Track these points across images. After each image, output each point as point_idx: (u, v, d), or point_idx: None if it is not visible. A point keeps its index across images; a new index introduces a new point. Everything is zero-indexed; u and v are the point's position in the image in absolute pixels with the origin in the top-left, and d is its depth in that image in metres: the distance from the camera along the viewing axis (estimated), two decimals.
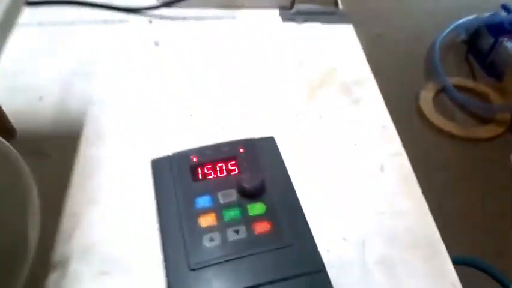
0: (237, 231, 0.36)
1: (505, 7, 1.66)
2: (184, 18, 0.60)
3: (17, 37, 0.34)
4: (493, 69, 1.65)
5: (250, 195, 0.38)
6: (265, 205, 0.38)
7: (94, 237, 0.38)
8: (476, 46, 1.71)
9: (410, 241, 0.39)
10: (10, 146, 0.31)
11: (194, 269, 0.34)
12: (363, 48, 0.57)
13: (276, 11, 0.62)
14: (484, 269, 1.13)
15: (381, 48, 1.63)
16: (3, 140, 0.31)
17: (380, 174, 0.44)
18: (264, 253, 0.35)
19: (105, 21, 0.59)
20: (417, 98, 1.56)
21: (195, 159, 0.41)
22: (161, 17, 0.60)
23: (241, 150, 0.42)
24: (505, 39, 1.57)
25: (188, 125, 0.47)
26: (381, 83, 0.53)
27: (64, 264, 0.36)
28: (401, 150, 0.46)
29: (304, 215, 0.38)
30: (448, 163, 1.39)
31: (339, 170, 0.44)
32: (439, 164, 1.36)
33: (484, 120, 1.52)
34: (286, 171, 0.41)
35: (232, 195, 0.38)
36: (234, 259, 0.35)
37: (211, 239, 0.36)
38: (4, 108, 0.43)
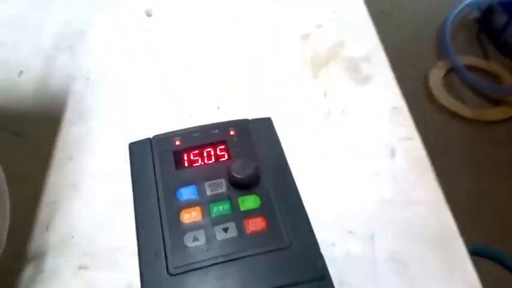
0: (225, 229, 0.32)
1: None
2: None
3: None
4: (506, 49, 1.63)
5: (241, 186, 0.34)
6: (260, 198, 0.34)
7: (74, 228, 0.36)
8: (489, 24, 1.69)
9: (423, 234, 0.36)
10: None
11: (173, 274, 0.30)
12: None
13: None
14: (497, 260, 1.12)
15: (389, 27, 1.61)
16: None
17: (391, 160, 0.41)
18: (257, 256, 0.31)
19: None
20: (426, 79, 1.56)
21: (178, 143, 0.37)
22: None
23: (232, 132, 0.37)
24: None
25: (180, 105, 0.45)
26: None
27: (40, 258, 0.35)
28: (414, 133, 0.43)
29: (305, 210, 0.34)
30: (458, 146, 1.39)
31: (344, 156, 0.41)
32: (448, 146, 1.36)
33: (495, 102, 1.51)
34: (285, 158, 0.37)
35: (221, 186, 0.34)
36: (221, 262, 0.31)
37: (195, 238, 0.32)
38: None
